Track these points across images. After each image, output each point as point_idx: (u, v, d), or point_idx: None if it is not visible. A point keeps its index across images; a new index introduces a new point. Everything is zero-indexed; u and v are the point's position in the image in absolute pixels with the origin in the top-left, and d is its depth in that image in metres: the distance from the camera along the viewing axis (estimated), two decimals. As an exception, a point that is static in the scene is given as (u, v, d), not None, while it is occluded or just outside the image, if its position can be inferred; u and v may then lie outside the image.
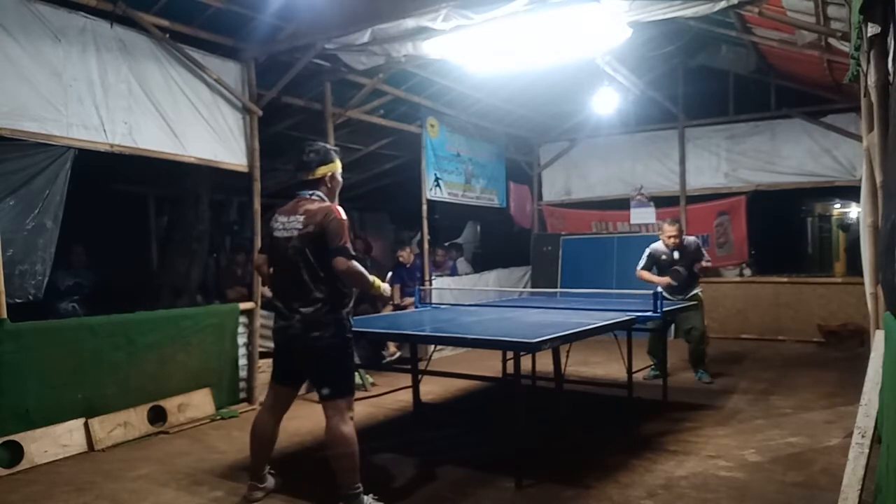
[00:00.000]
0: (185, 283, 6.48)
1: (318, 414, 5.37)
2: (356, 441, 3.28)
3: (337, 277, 3.27)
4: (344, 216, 3.30)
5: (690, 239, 6.45)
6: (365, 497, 3.29)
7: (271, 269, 3.50)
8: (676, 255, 6.24)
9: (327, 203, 3.37)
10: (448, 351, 7.59)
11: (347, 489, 3.26)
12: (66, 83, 4.49)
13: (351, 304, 3.44)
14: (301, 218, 3.31)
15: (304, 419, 5.13)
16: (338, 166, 3.53)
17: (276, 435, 3.61)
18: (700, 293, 6.29)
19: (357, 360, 6.03)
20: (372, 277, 3.39)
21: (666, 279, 6.15)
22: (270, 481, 3.62)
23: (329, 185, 3.47)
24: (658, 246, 6.35)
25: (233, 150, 5.67)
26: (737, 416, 4.96)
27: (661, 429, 4.65)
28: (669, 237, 6.26)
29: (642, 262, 6.38)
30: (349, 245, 3.26)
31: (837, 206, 11.23)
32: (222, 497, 3.57)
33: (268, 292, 6.04)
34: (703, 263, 6.34)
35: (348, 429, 3.27)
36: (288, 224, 3.35)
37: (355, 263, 3.24)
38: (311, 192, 3.43)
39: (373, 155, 8.80)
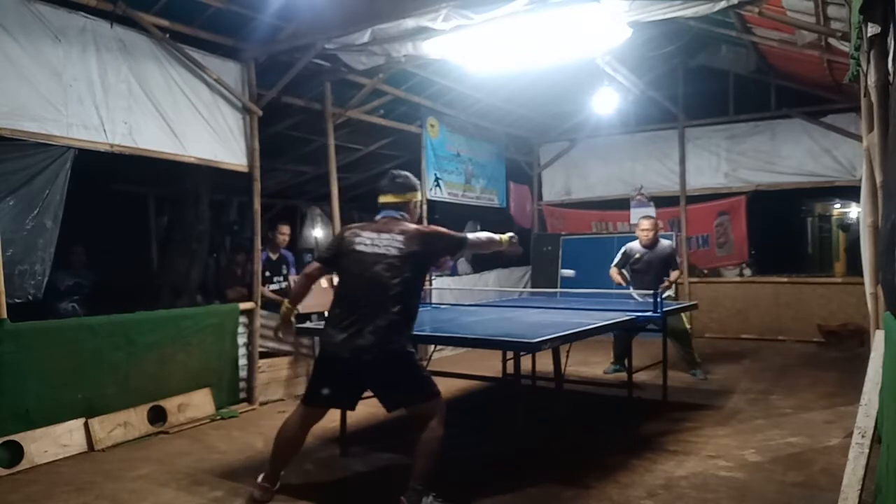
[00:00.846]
0: (185, 283, 6.48)
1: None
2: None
3: (413, 297, 3.38)
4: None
5: (666, 243, 6.48)
6: (425, 498, 3.23)
7: (335, 281, 3.50)
8: (645, 253, 6.31)
9: (423, 226, 3.52)
10: (448, 351, 7.59)
11: (417, 484, 3.22)
12: (66, 83, 4.49)
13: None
14: (401, 238, 3.34)
15: (304, 419, 5.13)
16: (419, 196, 3.64)
17: (303, 443, 3.55)
18: (671, 296, 6.28)
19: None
20: (499, 236, 3.63)
21: (617, 278, 6.34)
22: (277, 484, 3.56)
23: (412, 211, 3.57)
24: (633, 245, 6.43)
25: (233, 150, 5.67)
26: (737, 416, 4.96)
27: (661, 429, 4.65)
28: (642, 230, 6.35)
29: (615, 260, 6.46)
30: (458, 233, 3.51)
31: (837, 206, 11.24)
32: (222, 497, 3.57)
33: (268, 293, 6.10)
34: (669, 279, 6.26)
35: (442, 432, 3.28)
36: (379, 241, 3.36)
37: (478, 235, 3.61)
38: (399, 213, 3.49)
39: (373, 155, 8.80)
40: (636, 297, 6.12)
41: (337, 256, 3.50)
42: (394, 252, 3.31)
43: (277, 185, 8.80)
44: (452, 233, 3.46)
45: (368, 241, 3.39)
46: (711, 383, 6.13)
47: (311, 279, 3.61)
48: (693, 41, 7.92)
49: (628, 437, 4.50)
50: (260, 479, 3.47)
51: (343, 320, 3.31)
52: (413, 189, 3.57)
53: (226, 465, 4.10)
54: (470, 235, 3.55)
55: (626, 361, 6.13)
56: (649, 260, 6.31)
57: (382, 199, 3.53)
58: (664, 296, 6.08)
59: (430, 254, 3.40)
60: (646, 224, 6.38)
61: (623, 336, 6.10)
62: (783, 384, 6.02)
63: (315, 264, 3.61)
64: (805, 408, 5.13)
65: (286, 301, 3.61)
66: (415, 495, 3.19)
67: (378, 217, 3.50)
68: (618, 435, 4.56)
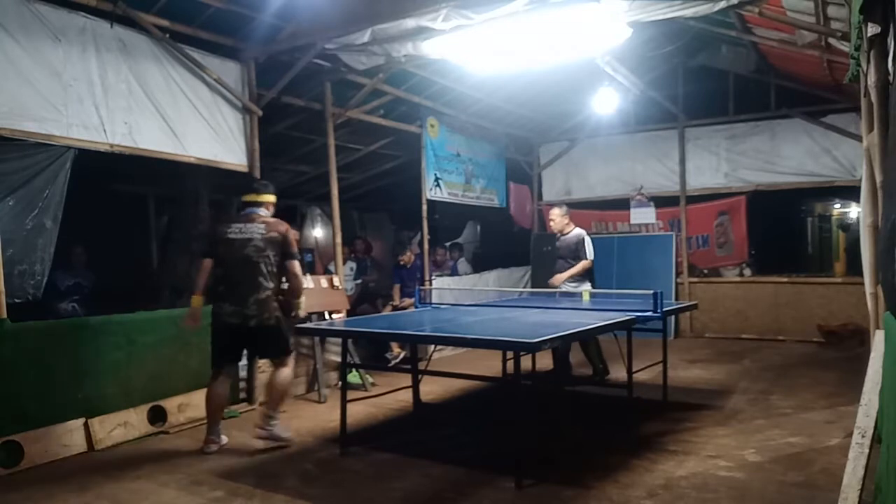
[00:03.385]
0: (185, 283, 6.48)
1: (319, 414, 5.38)
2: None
3: (281, 274, 4.39)
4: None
5: (576, 231, 6.49)
6: (273, 421, 4.42)
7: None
8: (560, 241, 6.50)
9: (279, 220, 4.48)
10: (448, 351, 7.59)
11: (270, 411, 4.42)
12: (66, 83, 4.49)
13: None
14: (262, 225, 4.36)
15: (305, 419, 5.14)
16: (274, 200, 4.65)
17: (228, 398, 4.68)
18: (584, 291, 6.20)
19: (357, 359, 6.08)
20: (302, 299, 4.56)
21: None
22: (224, 438, 4.46)
23: (270, 211, 4.57)
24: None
25: (233, 150, 5.68)
26: (737, 416, 4.96)
27: (661, 429, 4.65)
28: (548, 219, 6.64)
29: None
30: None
31: (837, 206, 11.22)
32: (222, 497, 3.57)
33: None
34: (566, 273, 6.28)
35: (291, 374, 4.59)
36: (246, 229, 4.35)
37: (298, 272, 4.48)
38: (260, 209, 4.50)
39: (373, 155, 8.81)
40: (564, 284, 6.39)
41: (213, 246, 4.40)
42: (257, 236, 4.32)
43: (277, 185, 8.77)
44: (295, 246, 4.50)
45: (237, 230, 4.35)
46: (711, 383, 6.13)
47: (206, 271, 4.39)
48: (693, 41, 7.92)
49: (628, 437, 4.49)
50: (205, 441, 4.37)
51: (230, 296, 4.30)
52: (271, 193, 4.60)
53: (226, 465, 4.10)
54: (299, 267, 4.49)
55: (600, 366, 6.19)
56: (560, 247, 6.51)
57: (246, 198, 4.56)
58: (561, 286, 6.30)
59: (285, 240, 4.38)
60: (550, 213, 6.63)
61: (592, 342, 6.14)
62: (783, 384, 6.02)
63: (204, 260, 4.41)
64: (805, 408, 5.13)
65: (196, 295, 4.38)
66: (267, 420, 4.37)
67: (243, 213, 4.49)
68: (618, 435, 4.56)
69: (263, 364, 5.77)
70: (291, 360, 4.58)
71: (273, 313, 4.34)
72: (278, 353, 4.51)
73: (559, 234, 6.56)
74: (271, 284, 4.34)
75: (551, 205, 10.40)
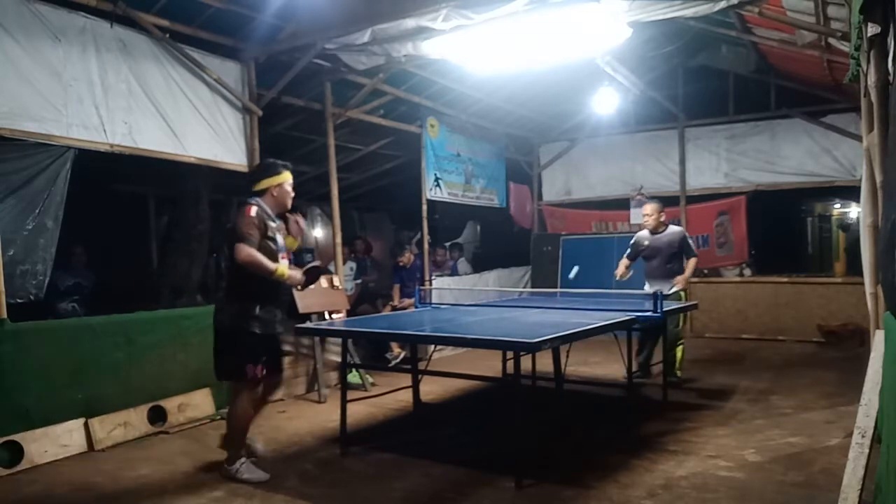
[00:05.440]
0: (185, 283, 6.48)
1: (319, 414, 5.39)
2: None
3: (235, 272, 3.64)
4: (253, 213, 3.64)
5: (675, 228, 6.33)
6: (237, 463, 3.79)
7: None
8: (651, 240, 6.22)
9: (252, 210, 3.67)
10: (448, 351, 7.59)
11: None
12: (66, 83, 4.49)
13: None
14: (235, 216, 3.75)
15: (304, 419, 5.14)
16: (283, 178, 3.86)
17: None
18: (680, 292, 6.10)
19: (357, 359, 6.08)
20: (274, 265, 3.63)
21: (619, 271, 6.17)
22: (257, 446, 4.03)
23: (270, 196, 3.83)
24: (641, 233, 6.35)
25: (233, 150, 5.68)
26: (737, 416, 4.96)
27: (661, 429, 4.65)
28: (644, 215, 6.29)
29: (626, 251, 6.39)
30: (249, 234, 3.58)
31: (837, 206, 11.22)
32: (222, 497, 3.57)
33: None
34: (682, 276, 6.09)
35: (238, 408, 3.77)
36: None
37: (252, 253, 3.56)
38: (253, 198, 3.78)
39: (373, 155, 8.81)
40: (647, 287, 6.09)
41: None
42: (229, 226, 3.72)
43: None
44: (244, 229, 3.58)
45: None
46: (711, 383, 6.12)
47: None
48: (693, 41, 7.92)
49: (628, 437, 4.50)
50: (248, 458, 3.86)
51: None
52: (262, 177, 3.84)
53: (226, 465, 4.09)
54: (246, 245, 3.56)
55: (649, 368, 6.08)
56: (656, 246, 6.21)
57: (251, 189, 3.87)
58: (671, 291, 5.95)
59: (232, 229, 3.62)
60: (647, 209, 6.31)
61: (648, 337, 6.05)
62: (783, 384, 6.01)
63: None
64: (805, 408, 5.13)
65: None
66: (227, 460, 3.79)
67: None
68: (618, 435, 4.56)
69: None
70: (244, 396, 3.73)
71: (224, 318, 3.68)
72: (225, 372, 3.78)
73: (650, 232, 6.25)
74: (225, 283, 3.76)
75: (552, 205, 10.50)
